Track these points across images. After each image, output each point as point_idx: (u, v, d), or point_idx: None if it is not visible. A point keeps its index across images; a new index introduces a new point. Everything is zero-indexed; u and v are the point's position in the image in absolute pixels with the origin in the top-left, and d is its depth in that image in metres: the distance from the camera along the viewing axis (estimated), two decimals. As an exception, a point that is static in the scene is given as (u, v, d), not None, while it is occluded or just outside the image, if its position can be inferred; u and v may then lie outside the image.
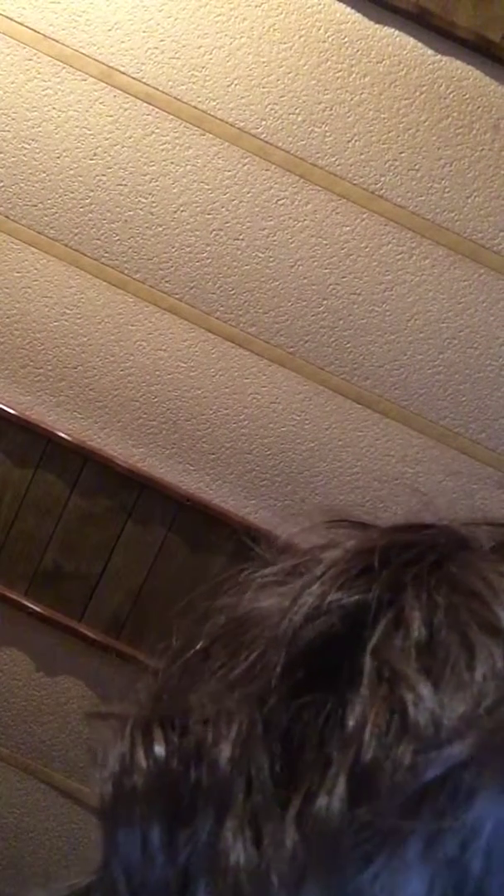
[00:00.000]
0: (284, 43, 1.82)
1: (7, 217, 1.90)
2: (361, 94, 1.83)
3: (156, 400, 1.93)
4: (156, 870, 0.27)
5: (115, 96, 1.85)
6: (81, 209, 1.89)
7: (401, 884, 0.24)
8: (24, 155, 1.88)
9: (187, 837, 0.26)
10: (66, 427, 1.94)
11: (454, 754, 0.24)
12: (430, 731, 0.24)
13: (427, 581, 0.28)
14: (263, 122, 1.85)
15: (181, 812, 0.27)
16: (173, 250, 1.89)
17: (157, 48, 1.83)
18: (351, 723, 0.25)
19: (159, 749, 0.28)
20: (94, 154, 1.87)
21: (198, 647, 0.31)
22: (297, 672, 0.27)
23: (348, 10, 1.81)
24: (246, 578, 0.31)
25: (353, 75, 1.83)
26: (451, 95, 1.83)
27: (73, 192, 1.88)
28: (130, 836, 0.27)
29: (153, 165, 1.87)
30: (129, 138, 1.87)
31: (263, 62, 1.83)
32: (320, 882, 0.24)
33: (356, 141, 1.84)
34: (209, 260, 1.89)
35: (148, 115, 1.86)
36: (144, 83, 1.84)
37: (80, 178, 1.88)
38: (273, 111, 1.84)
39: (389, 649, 0.26)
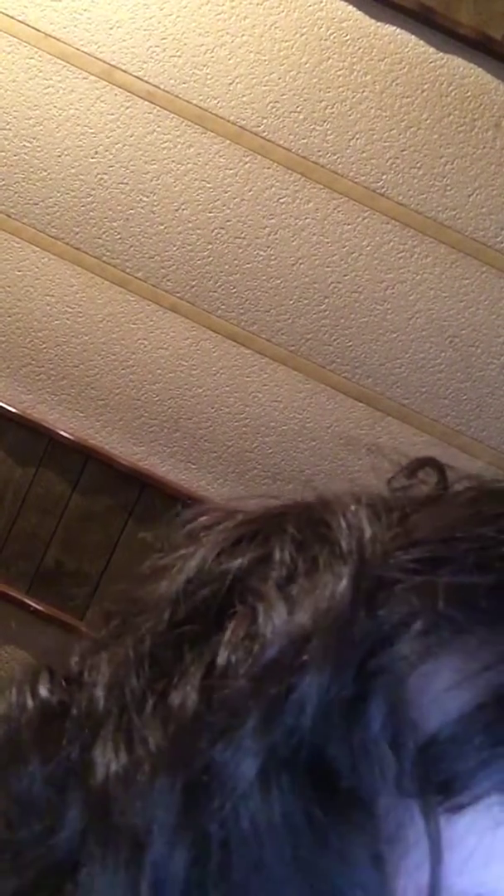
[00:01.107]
0: (286, 41, 1.82)
1: (8, 216, 1.90)
2: (363, 92, 1.83)
3: (157, 398, 1.93)
4: (35, 794, 0.29)
5: (116, 94, 1.85)
6: (83, 207, 1.89)
7: (242, 757, 0.26)
8: (25, 153, 1.88)
9: (63, 758, 0.29)
10: (67, 426, 1.94)
11: (289, 635, 0.27)
12: (273, 626, 0.27)
13: (293, 526, 0.31)
14: (265, 121, 1.84)
15: (58, 739, 0.29)
16: (174, 249, 1.89)
17: (158, 46, 1.83)
18: (211, 638, 0.29)
19: (43, 689, 0.31)
20: (96, 152, 1.87)
21: (98, 627, 0.33)
22: (174, 619, 0.30)
23: (349, 7, 1.81)
24: (152, 564, 0.34)
25: (355, 73, 1.82)
26: (453, 93, 1.82)
27: (74, 191, 1.88)
28: (14, 770, 0.30)
29: (154, 164, 1.87)
30: (131, 136, 1.87)
31: (265, 60, 1.82)
32: (176, 764, 0.27)
33: (357, 139, 1.84)
34: (210, 258, 1.89)
35: (149, 113, 1.85)
36: (146, 81, 1.84)
37: (82, 177, 1.88)
38: (274, 109, 1.84)
39: (254, 579, 0.30)
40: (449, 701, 0.26)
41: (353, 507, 0.31)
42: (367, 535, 0.29)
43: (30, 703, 0.31)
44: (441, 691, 0.27)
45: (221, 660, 0.28)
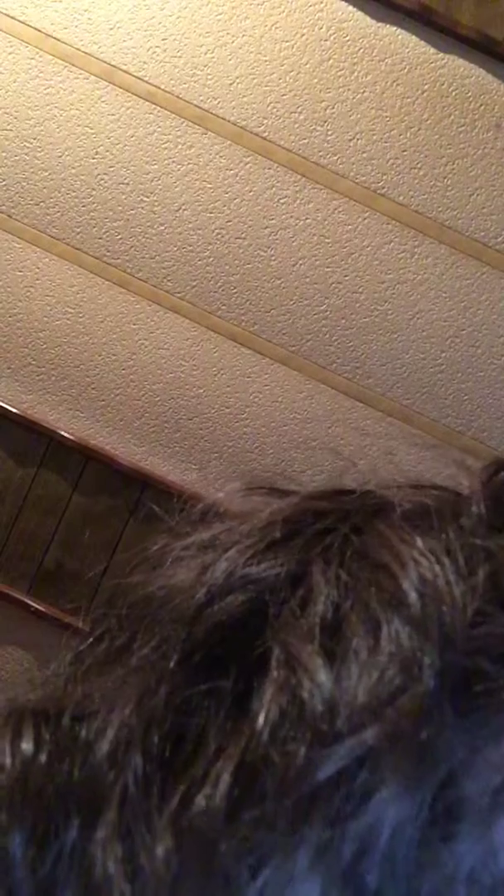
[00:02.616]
0: (286, 41, 1.82)
1: (9, 216, 1.90)
2: (363, 92, 1.83)
3: (158, 399, 1.93)
4: (15, 883, 0.23)
5: (117, 95, 1.85)
6: (83, 208, 1.89)
7: None
8: (26, 154, 1.88)
9: (53, 848, 0.23)
10: (67, 426, 1.94)
11: (350, 750, 0.21)
12: (325, 723, 0.22)
13: (336, 553, 0.25)
14: (265, 121, 1.84)
15: (47, 818, 0.23)
16: (175, 249, 1.89)
17: (158, 47, 1.83)
18: (243, 714, 0.23)
19: (26, 745, 0.25)
20: (96, 153, 1.87)
21: (99, 631, 0.28)
22: (196, 655, 0.24)
23: (350, 8, 1.81)
24: (160, 552, 0.28)
25: (355, 74, 1.82)
26: (454, 94, 1.82)
27: (75, 191, 1.89)
28: None
29: (155, 164, 1.87)
30: (131, 137, 1.87)
31: (265, 61, 1.83)
32: None
33: (358, 139, 1.84)
34: (211, 259, 1.89)
35: (150, 113, 1.85)
36: (146, 82, 1.84)
37: (82, 177, 1.88)
38: (275, 110, 1.84)
39: (292, 630, 0.23)
40: None
41: (418, 543, 0.25)
42: (447, 599, 0.23)
43: (8, 761, 0.25)
44: None
45: (255, 754, 0.22)
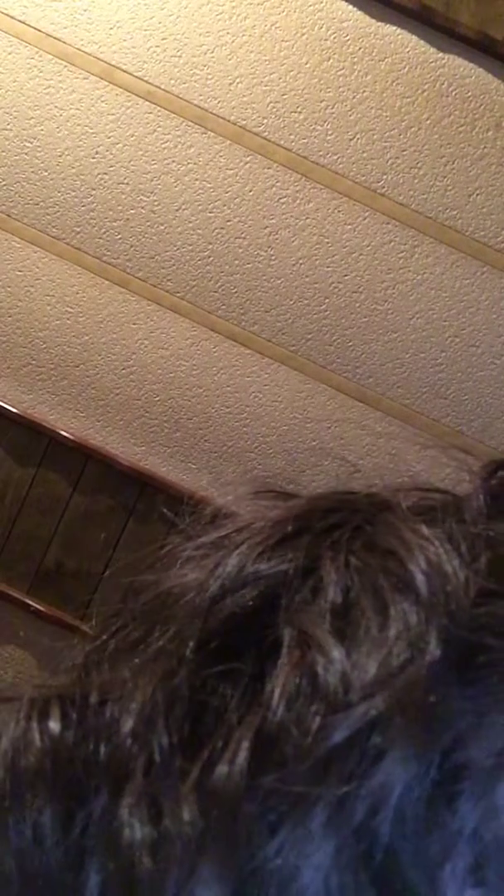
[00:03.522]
0: (286, 41, 1.82)
1: (9, 216, 1.90)
2: (363, 92, 1.83)
3: (157, 399, 1.93)
4: (46, 853, 0.24)
5: (116, 95, 1.85)
6: (83, 208, 1.89)
7: (305, 855, 0.22)
8: (25, 153, 1.88)
9: (81, 817, 0.24)
10: (67, 426, 1.94)
11: (362, 715, 0.23)
12: (339, 693, 0.23)
13: (345, 545, 0.27)
14: (265, 121, 1.84)
15: (76, 792, 0.25)
16: (175, 249, 1.89)
17: (158, 46, 1.83)
18: (259, 691, 0.24)
19: (54, 725, 0.26)
20: (96, 153, 1.87)
21: (115, 626, 0.29)
22: (211, 643, 0.26)
23: (350, 7, 1.81)
24: (172, 552, 0.30)
25: (355, 73, 1.82)
26: (454, 93, 1.82)
27: (74, 191, 1.88)
28: (21, 820, 0.25)
29: (155, 164, 1.87)
30: (131, 137, 1.87)
31: (265, 60, 1.82)
32: (219, 856, 0.23)
33: (358, 139, 1.84)
34: (211, 258, 1.89)
35: (149, 113, 1.85)
36: (146, 81, 1.84)
37: (82, 177, 1.88)
38: (275, 109, 1.84)
39: (304, 615, 0.25)
40: None
41: (425, 531, 0.26)
42: (452, 579, 0.25)
43: (37, 740, 0.26)
44: None
45: (272, 725, 0.23)
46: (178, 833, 0.23)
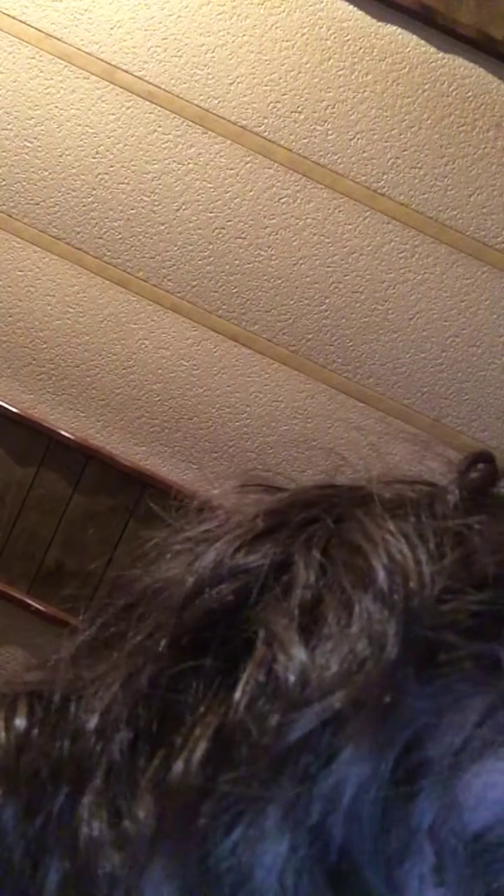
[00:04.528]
0: (287, 41, 1.82)
1: (9, 216, 1.90)
2: (364, 92, 1.83)
3: (158, 398, 1.93)
4: (6, 848, 0.25)
5: (117, 94, 1.85)
6: (84, 207, 1.89)
7: (258, 855, 0.22)
8: (26, 153, 1.88)
9: (42, 814, 0.25)
10: (68, 426, 1.94)
11: (317, 714, 0.23)
12: (298, 692, 0.23)
13: (318, 540, 0.27)
14: (266, 121, 1.84)
15: (38, 788, 0.25)
16: (175, 249, 1.89)
17: (159, 46, 1.83)
18: (224, 689, 0.24)
19: (20, 722, 0.27)
20: (97, 152, 1.87)
21: (97, 622, 0.29)
22: (184, 639, 0.26)
23: (350, 7, 1.81)
24: (157, 547, 0.30)
25: (356, 73, 1.82)
26: (454, 93, 1.82)
27: (75, 191, 1.89)
28: None
29: (155, 164, 1.87)
30: (132, 136, 1.87)
31: (265, 60, 1.82)
32: (172, 855, 0.23)
33: (358, 139, 1.84)
34: (211, 258, 1.89)
35: (150, 113, 1.85)
36: (147, 81, 1.84)
37: (83, 177, 1.88)
38: (275, 109, 1.84)
39: (273, 612, 0.25)
40: None
41: (391, 528, 0.26)
42: (414, 577, 0.24)
43: (2, 735, 0.26)
44: (500, 795, 0.23)
45: (232, 724, 0.23)
46: (135, 831, 0.23)
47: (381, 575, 0.24)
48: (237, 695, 0.24)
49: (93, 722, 0.25)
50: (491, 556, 0.25)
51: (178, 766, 0.23)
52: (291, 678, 0.23)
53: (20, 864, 0.25)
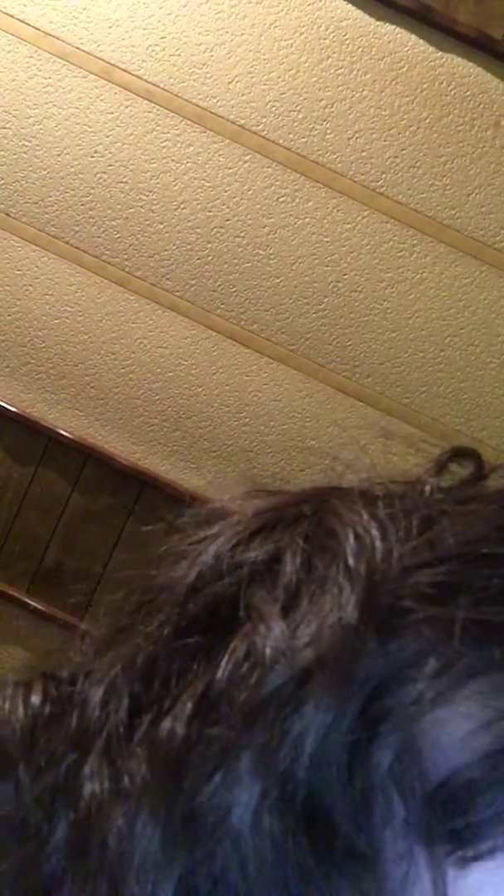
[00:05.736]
0: (285, 40, 1.82)
1: (8, 214, 1.90)
2: (362, 91, 1.83)
3: (157, 398, 1.93)
4: (23, 806, 0.28)
5: (115, 93, 1.85)
6: (82, 206, 1.89)
7: (235, 798, 0.25)
8: (24, 152, 1.88)
9: (52, 775, 0.28)
10: (67, 425, 1.94)
11: (286, 670, 0.25)
12: (274, 658, 0.26)
13: (303, 532, 0.29)
14: (264, 120, 1.84)
15: (52, 756, 0.28)
16: (174, 248, 1.89)
17: (157, 45, 1.83)
18: (212, 661, 0.27)
19: (35, 698, 0.30)
20: (95, 151, 1.87)
21: (109, 618, 0.32)
22: (181, 622, 0.29)
23: (349, 6, 1.81)
24: (169, 550, 0.33)
25: (354, 72, 1.82)
26: (453, 92, 1.82)
27: (73, 190, 1.88)
28: (2, 784, 0.29)
29: (154, 163, 1.87)
30: (130, 136, 1.86)
31: (264, 59, 1.82)
32: (160, 803, 0.25)
33: (357, 138, 1.84)
34: (210, 257, 1.89)
35: (149, 112, 1.85)
36: (145, 80, 1.84)
37: (81, 176, 1.88)
38: (274, 108, 1.84)
39: (259, 595, 0.28)
40: (462, 749, 0.24)
41: (364, 514, 0.29)
42: (379, 553, 0.27)
43: (20, 711, 0.30)
44: (455, 739, 0.25)
45: (216, 688, 0.26)
46: (130, 784, 0.26)
47: (349, 553, 0.27)
48: (222, 663, 0.27)
49: (97, 696, 0.28)
50: (454, 536, 0.27)
51: (167, 723, 0.26)
52: (269, 646, 0.26)
53: (34, 819, 0.28)
